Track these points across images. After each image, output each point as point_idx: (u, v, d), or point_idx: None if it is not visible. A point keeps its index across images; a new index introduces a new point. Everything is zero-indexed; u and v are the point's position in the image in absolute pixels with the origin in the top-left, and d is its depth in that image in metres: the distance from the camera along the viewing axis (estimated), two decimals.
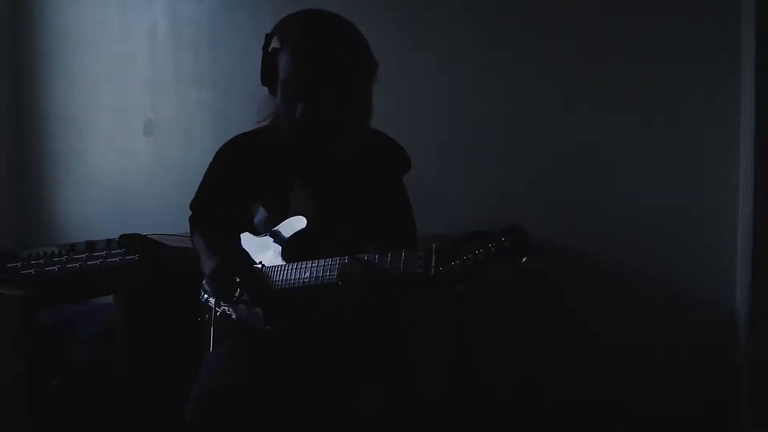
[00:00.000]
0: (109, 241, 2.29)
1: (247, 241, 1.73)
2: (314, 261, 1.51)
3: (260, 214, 1.72)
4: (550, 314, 2.40)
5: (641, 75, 2.23)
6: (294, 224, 1.62)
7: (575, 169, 2.35)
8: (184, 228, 1.91)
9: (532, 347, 2.42)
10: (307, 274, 1.52)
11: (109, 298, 2.33)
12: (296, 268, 1.55)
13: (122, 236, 2.30)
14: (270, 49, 1.57)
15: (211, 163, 1.78)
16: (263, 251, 1.67)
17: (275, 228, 1.65)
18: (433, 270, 1.29)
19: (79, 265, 2.02)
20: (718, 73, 2.14)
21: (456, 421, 2.35)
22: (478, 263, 1.23)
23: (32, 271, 1.91)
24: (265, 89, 1.60)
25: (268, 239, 1.67)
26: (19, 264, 1.96)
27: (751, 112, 1.99)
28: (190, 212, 1.85)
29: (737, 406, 2.13)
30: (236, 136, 1.77)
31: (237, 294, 1.61)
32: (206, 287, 1.74)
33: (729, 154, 2.14)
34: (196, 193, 1.82)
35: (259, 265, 1.65)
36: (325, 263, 1.49)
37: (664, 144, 2.22)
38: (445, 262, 1.27)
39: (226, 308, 1.70)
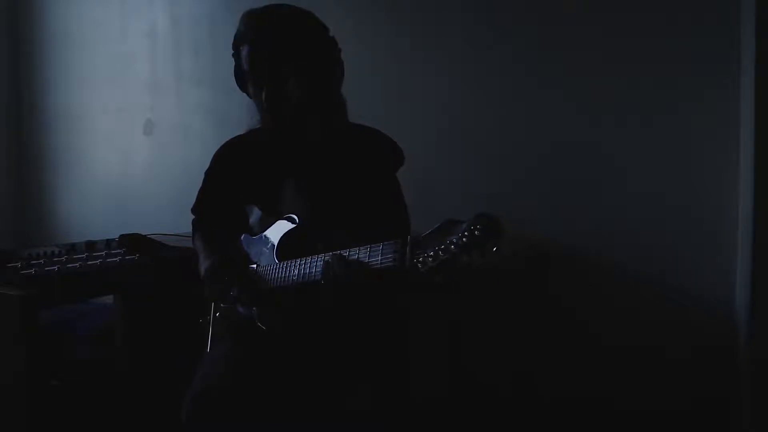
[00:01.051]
0: (109, 241, 2.30)
1: (246, 241, 1.74)
2: (302, 258, 1.52)
3: (255, 215, 1.73)
4: (549, 314, 2.39)
5: (641, 75, 2.23)
6: (287, 223, 1.63)
7: (575, 168, 2.35)
8: (184, 228, 1.92)
9: (532, 347, 2.42)
10: (296, 271, 1.53)
11: (109, 298, 2.33)
12: (285, 266, 1.56)
13: (122, 236, 2.30)
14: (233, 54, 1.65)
15: (207, 167, 1.81)
16: (260, 250, 1.67)
17: (267, 228, 1.66)
18: (407, 263, 1.29)
19: (79, 265, 2.02)
20: (718, 73, 2.13)
21: (455, 421, 2.35)
22: (452, 254, 1.24)
23: (32, 271, 1.91)
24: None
25: (262, 239, 1.67)
26: (19, 264, 1.96)
27: (751, 112, 1.99)
28: (192, 217, 1.88)
29: (737, 406, 2.13)
30: (230, 140, 1.81)
31: (233, 293, 1.62)
32: None
33: (729, 154, 2.13)
34: (196, 197, 1.85)
35: (254, 265, 1.65)
36: (312, 260, 1.49)
37: (664, 144, 2.22)
38: (418, 254, 1.28)
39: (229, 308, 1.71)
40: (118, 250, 2.20)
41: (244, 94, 1.69)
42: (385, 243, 1.36)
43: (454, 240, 1.24)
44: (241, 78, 1.66)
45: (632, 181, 2.27)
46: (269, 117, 1.62)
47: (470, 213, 1.31)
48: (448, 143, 2.52)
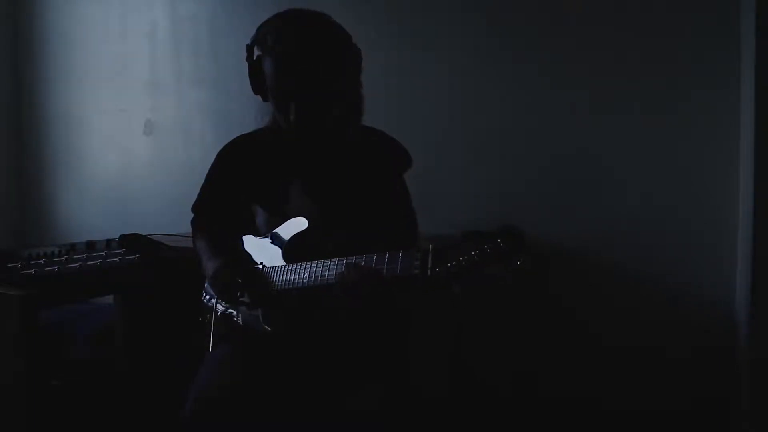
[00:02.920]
0: (109, 241, 2.29)
1: (250, 242, 1.73)
2: (313, 262, 1.51)
3: (261, 215, 1.72)
4: (549, 314, 2.39)
5: (641, 75, 2.23)
6: (295, 225, 1.62)
7: (575, 169, 2.35)
8: (184, 228, 1.91)
9: (532, 347, 2.42)
10: (306, 275, 1.52)
11: (109, 298, 2.33)
12: (296, 269, 1.55)
13: (122, 236, 2.30)
14: (255, 58, 1.59)
15: (211, 166, 1.79)
16: (265, 252, 1.67)
17: (275, 230, 1.66)
18: (429, 271, 1.28)
19: (79, 265, 2.02)
20: (718, 73, 2.14)
21: (456, 421, 2.35)
22: (474, 264, 1.23)
23: (32, 271, 1.91)
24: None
25: (269, 240, 1.67)
26: (19, 264, 1.96)
27: (751, 112, 1.99)
28: (192, 215, 1.86)
29: (737, 406, 2.13)
30: (235, 139, 1.78)
31: (239, 295, 1.61)
32: (209, 289, 1.74)
33: (729, 154, 2.14)
34: (198, 196, 1.83)
35: (260, 266, 1.65)
36: (323, 264, 1.49)
37: (664, 144, 2.22)
38: (441, 263, 1.26)
39: (228, 310, 1.70)
40: (118, 250, 2.20)
41: (247, 91, 1.65)
42: (404, 251, 1.35)
43: (478, 251, 1.22)
44: (261, 83, 1.58)
45: (632, 181, 2.27)
46: (292, 132, 1.59)
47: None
48: (448, 143, 2.52)
